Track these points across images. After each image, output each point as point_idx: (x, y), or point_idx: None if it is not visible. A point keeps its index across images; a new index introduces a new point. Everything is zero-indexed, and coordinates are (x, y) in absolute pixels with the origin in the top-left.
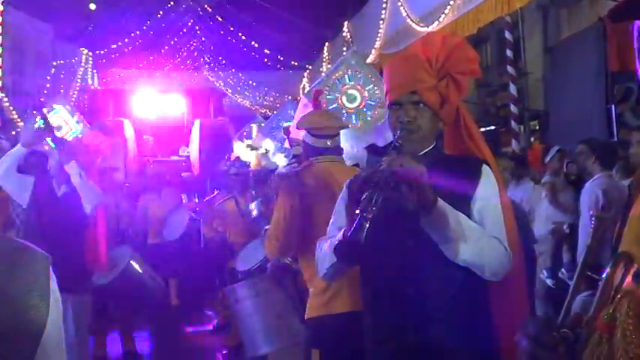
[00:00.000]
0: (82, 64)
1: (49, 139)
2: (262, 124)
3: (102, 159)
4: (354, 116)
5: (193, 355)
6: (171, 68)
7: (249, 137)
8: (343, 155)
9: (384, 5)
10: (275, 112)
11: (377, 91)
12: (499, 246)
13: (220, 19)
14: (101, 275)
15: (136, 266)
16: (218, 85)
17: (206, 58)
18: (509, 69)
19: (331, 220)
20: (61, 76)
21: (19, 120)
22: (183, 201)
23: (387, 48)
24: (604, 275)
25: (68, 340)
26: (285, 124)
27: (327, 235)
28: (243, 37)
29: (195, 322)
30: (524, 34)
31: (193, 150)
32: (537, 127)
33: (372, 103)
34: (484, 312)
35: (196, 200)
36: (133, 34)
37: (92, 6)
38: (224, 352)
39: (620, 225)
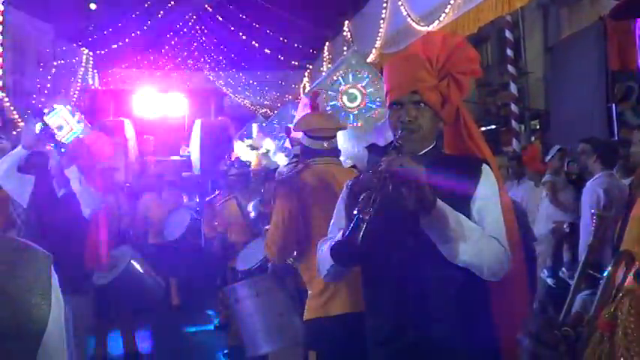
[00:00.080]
0: (83, 64)
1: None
2: (264, 124)
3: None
4: (353, 115)
5: (194, 355)
6: (171, 68)
7: (249, 137)
8: (344, 155)
9: (385, 5)
10: (275, 111)
11: (377, 91)
12: (498, 246)
13: (220, 18)
14: (101, 275)
15: (137, 266)
16: (218, 85)
17: (206, 58)
18: (510, 68)
19: (332, 221)
20: (62, 75)
21: (19, 120)
22: (184, 201)
23: (388, 47)
24: (605, 274)
25: (68, 339)
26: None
27: (328, 236)
28: (244, 37)
29: (196, 322)
30: (524, 33)
31: (194, 150)
32: (538, 127)
33: (373, 105)
34: (485, 312)
35: (197, 200)
36: (133, 34)
37: (93, 6)
38: (225, 351)
39: (621, 224)
